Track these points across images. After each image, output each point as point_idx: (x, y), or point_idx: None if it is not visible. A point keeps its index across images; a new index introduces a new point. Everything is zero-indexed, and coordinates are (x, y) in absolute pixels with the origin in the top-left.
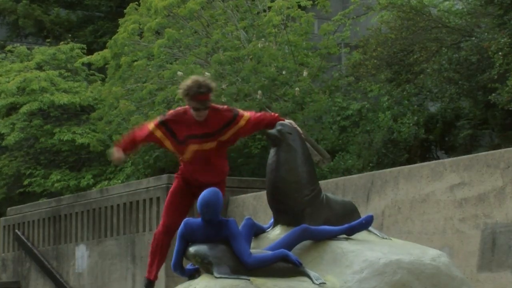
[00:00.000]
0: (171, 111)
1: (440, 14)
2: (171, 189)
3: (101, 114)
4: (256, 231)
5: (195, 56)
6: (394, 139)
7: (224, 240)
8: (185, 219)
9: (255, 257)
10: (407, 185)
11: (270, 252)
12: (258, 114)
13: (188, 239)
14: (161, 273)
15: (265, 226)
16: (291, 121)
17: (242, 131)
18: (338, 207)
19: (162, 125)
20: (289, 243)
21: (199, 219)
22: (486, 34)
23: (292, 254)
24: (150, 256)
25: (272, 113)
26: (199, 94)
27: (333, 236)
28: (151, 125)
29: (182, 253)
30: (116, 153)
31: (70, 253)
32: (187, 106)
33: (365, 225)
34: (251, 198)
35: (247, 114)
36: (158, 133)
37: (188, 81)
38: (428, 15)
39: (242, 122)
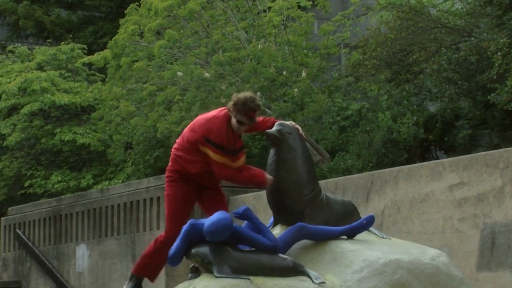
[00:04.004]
0: (216, 134)
1: (439, 15)
2: (175, 195)
3: (101, 114)
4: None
5: (195, 56)
6: (394, 139)
7: (227, 242)
8: (191, 221)
9: (280, 241)
10: (407, 185)
11: (287, 230)
12: None
13: (192, 240)
14: (161, 272)
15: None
16: (291, 122)
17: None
18: (338, 207)
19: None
20: (285, 242)
21: (205, 222)
22: (485, 34)
23: (306, 225)
24: (149, 258)
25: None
26: (252, 110)
27: (333, 237)
28: (217, 158)
29: (184, 252)
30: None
31: (70, 252)
32: (223, 116)
33: (366, 225)
34: (251, 198)
35: None
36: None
37: (244, 96)
38: (428, 15)
39: (242, 159)
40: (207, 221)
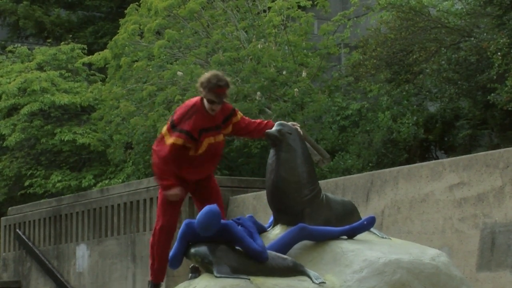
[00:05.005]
0: (187, 117)
1: (439, 15)
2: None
3: (101, 114)
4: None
5: (195, 56)
6: (394, 139)
7: (226, 242)
8: (186, 221)
9: (271, 246)
10: (407, 185)
11: (287, 231)
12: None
13: (189, 239)
14: None
15: (265, 225)
16: (292, 122)
17: (237, 127)
18: (338, 207)
19: (182, 133)
20: (286, 243)
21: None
22: (485, 34)
23: (307, 225)
24: (154, 258)
25: (265, 121)
26: (218, 87)
27: (334, 237)
28: (170, 140)
29: (182, 253)
30: (177, 191)
31: (70, 252)
32: (195, 100)
33: (367, 226)
34: (251, 198)
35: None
36: (180, 141)
37: (207, 74)
38: (428, 15)
39: (238, 116)
40: (196, 219)
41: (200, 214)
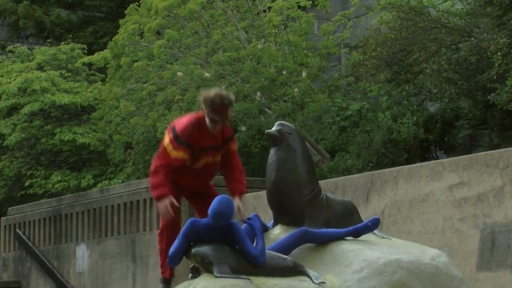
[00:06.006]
0: (190, 131)
1: (439, 15)
2: None
3: (101, 114)
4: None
5: (195, 56)
6: (394, 139)
7: (227, 242)
8: (191, 219)
9: (272, 249)
10: (407, 185)
11: (290, 234)
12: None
13: (192, 239)
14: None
15: (267, 225)
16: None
17: (227, 156)
18: (338, 207)
19: (185, 146)
20: (287, 246)
21: (205, 220)
22: (485, 34)
23: (309, 229)
24: (162, 254)
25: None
26: (222, 107)
27: (338, 239)
28: (175, 153)
29: (183, 251)
30: (168, 203)
31: (70, 252)
32: (198, 115)
33: (371, 227)
34: (251, 198)
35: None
36: (185, 155)
37: (211, 94)
38: (428, 16)
39: (234, 146)
40: (210, 208)
41: (214, 203)
